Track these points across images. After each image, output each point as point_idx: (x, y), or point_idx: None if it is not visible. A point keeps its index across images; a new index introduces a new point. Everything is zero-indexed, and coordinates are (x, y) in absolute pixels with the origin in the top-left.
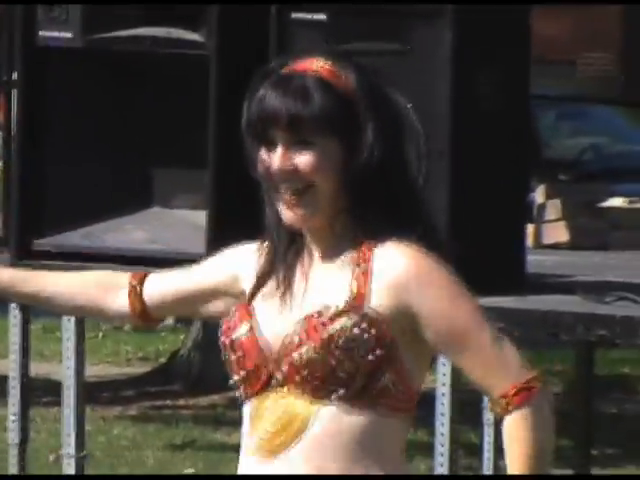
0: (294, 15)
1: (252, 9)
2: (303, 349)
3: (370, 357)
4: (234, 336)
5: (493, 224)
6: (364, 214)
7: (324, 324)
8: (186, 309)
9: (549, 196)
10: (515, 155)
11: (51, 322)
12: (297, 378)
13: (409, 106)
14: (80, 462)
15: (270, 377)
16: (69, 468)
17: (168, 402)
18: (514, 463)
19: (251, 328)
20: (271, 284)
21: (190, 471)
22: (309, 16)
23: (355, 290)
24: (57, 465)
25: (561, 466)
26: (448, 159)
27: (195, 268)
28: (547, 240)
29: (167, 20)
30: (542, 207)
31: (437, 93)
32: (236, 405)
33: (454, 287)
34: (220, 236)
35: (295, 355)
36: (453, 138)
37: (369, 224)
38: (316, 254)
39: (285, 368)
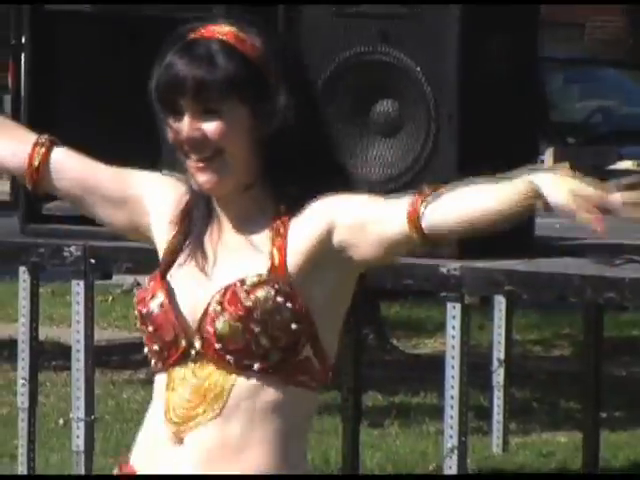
0: None
1: None
2: (221, 320)
3: (287, 331)
4: (149, 308)
5: None
6: (279, 181)
7: (243, 294)
8: (81, 196)
9: (558, 159)
10: (523, 118)
11: (61, 286)
12: (215, 349)
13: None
14: (89, 425)
15: (188, 348)
16: (78, 431)
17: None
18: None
19: (167, 299)
20: (186, 253)
21: None
22: None
23: (276, 261)
24: (66, 429)
25: (570, 428)
26: (457, 122)
27: (120, 170)
28: None
29: None
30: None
31: (446, 56)
32: None
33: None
34: None
35: (213, 326)
36: (462, 101)
37: (285, 191)
38: (232, 223)
39: (204, 339)
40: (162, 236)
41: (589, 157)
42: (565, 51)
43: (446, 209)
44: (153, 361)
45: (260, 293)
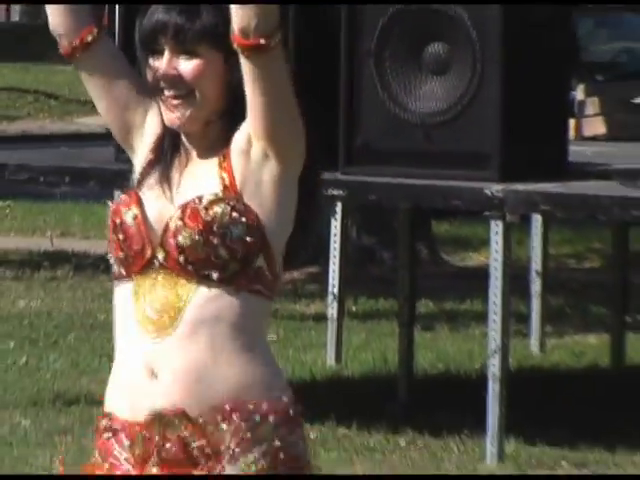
0: None
1: None
2: (183, 233)
3: (242, 243)
4: (122, 219)
5: (540, 119)
6: (236, 118)
7: (202, 211)
8: (101, 86)
9: (588, 94)
10: (558, 58)
11: None
12: (177, 260)
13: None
14: None
15: (152, 258)
16: None
17: None
18: None
19: (140, 213)
20: (154, 176)
21: (273, 337)
22: None
23: (227, 182)
24: None
25: (599, 331)
26: (500, 64)
27: (140, 83)
28: (587, 133)
29: None
30: (582, 104)
31: (490, 5)
32: (313, 279)
33: None
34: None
35: (176, 239)
36: (504, 46)
37: (237, 127)
38: (194, 153)
39: (167, 250)
40: (140, 157)
41: (616, 92)
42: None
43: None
44: (116, 268)
45: (217, 209)
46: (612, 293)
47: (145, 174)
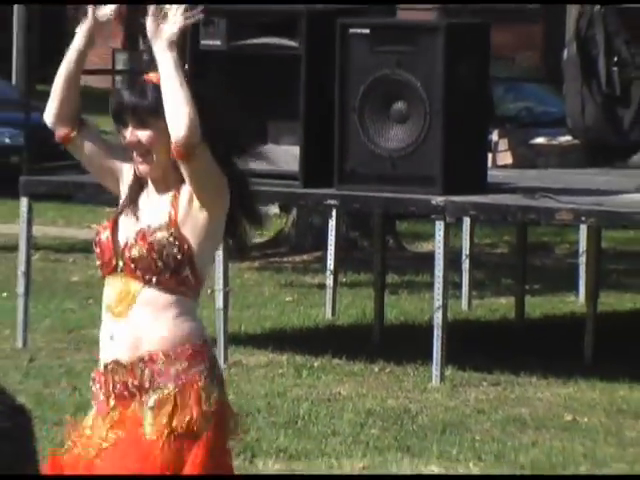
0: (351, 30)
1: (325, 25)
2: (135, 249)
3: (175, 259)
4: (100, 237)
5: (468, 153)
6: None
7: (149, 235)
8: (89, 160)
9: (500, 136)
10: (481, 113)
11: None
12: (131, 267)
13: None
14: (226, 295)
15: (116, 265)
16: (219, 299)
17: (277, 259)
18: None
19: (110, 234)
20: (126, 210)
21: (289, 298)
22: (358, 31)
23: (172, 216)
24: (212, 296)
25: (507, 295)
26: (442, 116)
27: (114, 147)
28: (499, 163)
29: (275, 31)
30: (496, 143)
31: (435, 76)
32: (317, 260)
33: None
34: (306, 162)
35: (130, 252)
36: (445, 103)
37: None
38: (154, 193)
39: (124, 260)
40: (122, 195)
41: (518, 136)
42: (504, 73)
43: None
44: (100, 270)
45: (159, 235)
46: (516, 270)
47: (123, 206)
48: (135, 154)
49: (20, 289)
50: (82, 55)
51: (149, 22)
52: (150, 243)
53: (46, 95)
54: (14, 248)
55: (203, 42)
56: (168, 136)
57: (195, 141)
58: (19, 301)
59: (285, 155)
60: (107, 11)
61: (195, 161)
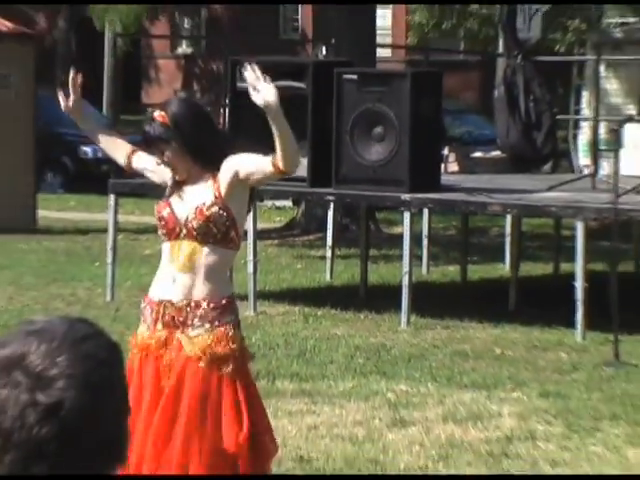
0: (344, 76)
1: (326, 72)
2: (195, 221)
3: (225, 224)
4: (162, 213)
5: (428, 163)
6: (205, 164)
7: (205, 210)
8: (146, 173)
9: (450, 151)
10: (436, 135)
11: None
12: (193, 234)
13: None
14: (255, 264)
15: (179, 232)
16: (250, 267)
17: (291, 238)
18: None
19: (170, 210)
20: (176, 193)
21: (299, 266)
22: (349, 77)
23: (217, 194)
24: (245, 265)
25: (454, 264)
26: (408, 137)
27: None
28: (449, 170)
29: (290, 76)
30: (447, 156)
31: (404, 108)
32: (320, 239)
33: (241, 155)
34: (312, 169)
35: (192, 224)
36: (412, 128)
37: (209, 166)
38: (190, 184)
39: (187, 229)
40: (167, 184)
41: (462, 150)
42: (453, 107)
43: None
44: (164, 237)
45: (213, 209)
46: (461, 246)
47: (170, 193)
48: (168, 166)
49: (109, 259)
50: (85, 125)
51: (251, 90)
52: (207, 216)
53: (127, 122)
54: (104, 230)
55: (238, 84)
56: (181, 150)
57: (295, 170)
58: (108, 268)
59: None
60: (68, 103)
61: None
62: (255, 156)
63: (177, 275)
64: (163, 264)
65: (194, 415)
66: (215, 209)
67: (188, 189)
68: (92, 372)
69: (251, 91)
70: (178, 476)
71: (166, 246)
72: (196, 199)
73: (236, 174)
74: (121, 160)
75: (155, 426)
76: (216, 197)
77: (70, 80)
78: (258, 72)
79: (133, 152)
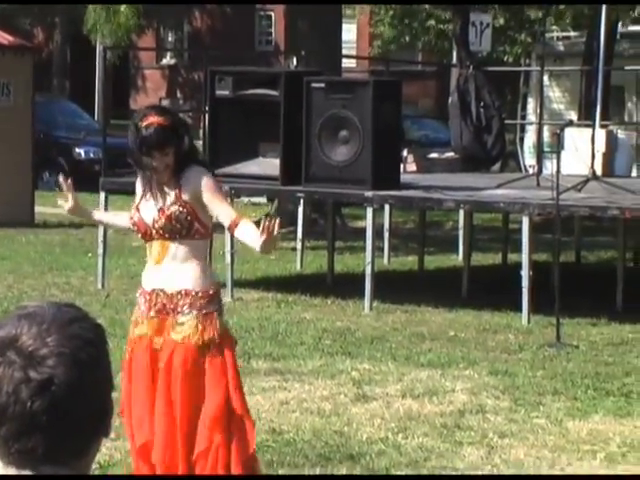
0: (313, 84)
1: (296, 81)
2: (160, 222)
3: (186, 220)
4: (134, 218)
5: (388, 163)
6: (179, 167)
7: (166, 209)
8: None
9: (408, 153)
10: (396, 138)
11: None
12: (160, 233)
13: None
14: (232, 255)
15: (151, 233)
16: (227, 257)
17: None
18: (254, 233)
19: (139, 215)
20: (145, 198)
21: (272, 257)
22: (317, 85)
23: (177, 193)
24: (222, 256)
25: (413, 254)
26: (371, 140)
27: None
28: (408, 170)
29: (264, 85)
30: (406, 157)
31: (366, 113)
32: (292, 232)
33: (212, 184)
34: (283, 169)
35: (158, 224)
36: (374, 132)
37: (180, 169)
38: (162, 188)
39: (155, 229)
40: (139, 190)
41: (420, 152)
42: (411, 112)
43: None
44: (142, 239)
45: (173, 208)
46: (418, 238)
47: (141, 198)
48: (159, 169)
49: (99, 251)
50: (90, 221)
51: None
52: (168, 215)
53: (117, 126)
54: (95, 225)
55: (217, 92)
56: (176, 154)
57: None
58: (99, 259)
59: (270, 164)
60: (65, 207)
61: None
62: (221, 205)
63: (159, 268)
64: (148, 258)
65: (186, 394)
66: (175, 207)
67: (156, 192)
68: (79, 350)
69: (257, 234)
70: (178, 476)
71: (147, 245)
72: (160, 201)
73: (200, 198)
74: (127, 224)
75: (157, 409)
76: (176, 197)
77: (63, 188)
78: (277, 227)
79: (130, 217)
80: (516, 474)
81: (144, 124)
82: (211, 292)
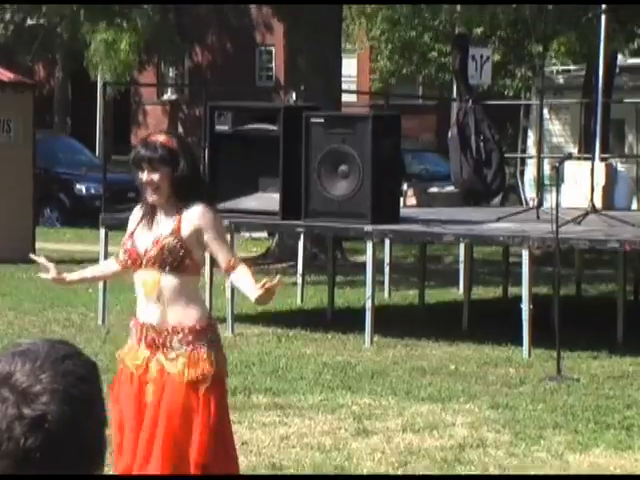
0: (312, 119)
1: (295, 116)
2: (153, 251)
3: (179, 254)
4: (126, 246)
5: (388, 197)
6: (180, 197)
7: (161, 240)
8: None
9: (408, 187)
10: (396, 172)
11: None
12: (152, 263)
13: None
14: (232, 289)
15: (141, 262)
16: (228, 292)
17: (266, 266)
18: (252, 285)
19: (133, 242)
20: (141, 225)
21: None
22: (316, 120)
23: (175, 226)
24: (224, 291)
25: (412, 287)
26: (370, 174)
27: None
28: (407, 204)
29: (264, 120)
30: (406, 191)
31: (366, 149)
32: (292, 267)
33: (216, 224)
34: (283, 204)
35: (150, 253)
36: (373, 167)
37: (182, 200)
38: (161, 213)
39: (147, 259)
40: (136, 217)
41: (420, 186)
42: (411, 146)
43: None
44: (131, 268)
45: (168, 240)
46: (419, 272)
47: (137, 225)
48: (149, 189)
49: (100, 286)
50: (77, 283)
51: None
52: (162, 246)
53: (118, 163)
54: (97, 260)
55: (217, 127)
56: (170, 177)
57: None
58: (99, 294)
59: (270, 199)
60: (49, 277)
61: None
62: (221, 248)
63: (148, 299)
64: (137, 291)
65: (170, 430)
66: (170, 239)
67: (156, 219)
68: (72, 387)
69: (253, 283)
70: (178, 476)
71: (135, 276)
72: (159, 230)
73: (201, 235)
74: (117, 269)
75: (140, 444)
76: (174, 230)
77: (39, 261)
78: (280, 285)
79: (117, 256)
80: (516, 474)
81: (147, 139)
82: (198, 327)
